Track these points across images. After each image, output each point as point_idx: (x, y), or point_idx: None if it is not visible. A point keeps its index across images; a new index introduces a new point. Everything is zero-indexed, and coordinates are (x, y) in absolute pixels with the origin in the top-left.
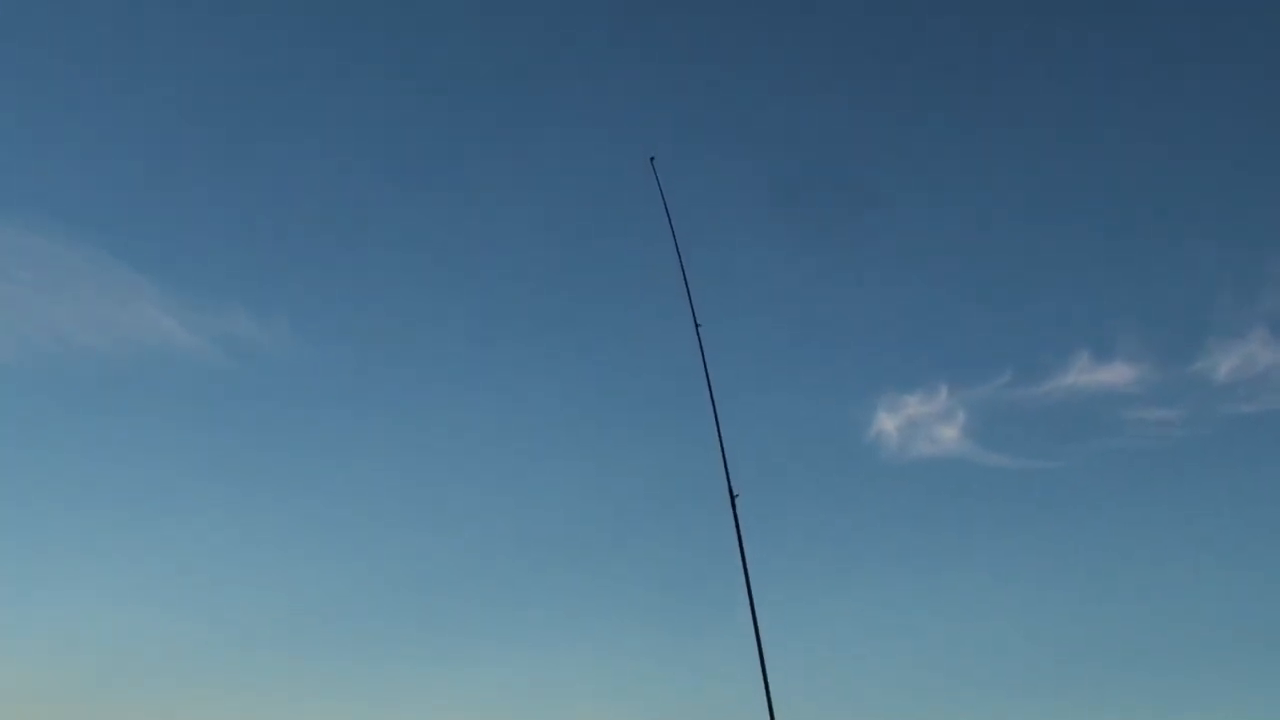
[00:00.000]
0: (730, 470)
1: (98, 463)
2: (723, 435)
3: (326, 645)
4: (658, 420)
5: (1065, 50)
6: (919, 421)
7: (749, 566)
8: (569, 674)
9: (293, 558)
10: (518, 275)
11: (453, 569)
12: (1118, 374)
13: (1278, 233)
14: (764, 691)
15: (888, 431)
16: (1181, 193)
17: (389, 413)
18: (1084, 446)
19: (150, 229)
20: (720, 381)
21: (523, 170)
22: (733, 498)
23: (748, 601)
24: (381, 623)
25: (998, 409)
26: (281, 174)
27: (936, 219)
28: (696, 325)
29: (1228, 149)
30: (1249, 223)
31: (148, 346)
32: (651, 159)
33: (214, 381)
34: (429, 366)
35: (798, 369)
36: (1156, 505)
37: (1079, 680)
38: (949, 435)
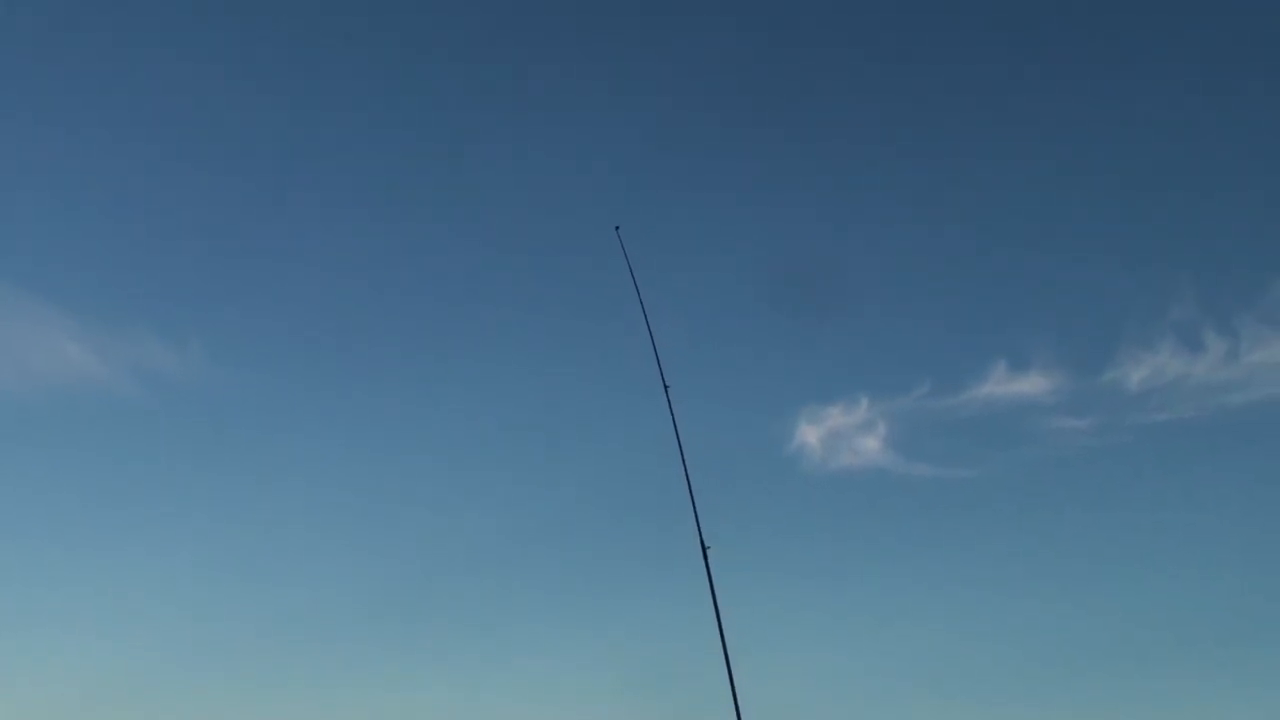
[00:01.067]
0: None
1: (11, 501)
2: (694, 493)
3: (268, 672)
4: (615, 429)
5: (988, 65)
6: (841, 433)
7: (717, 597)
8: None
9: (227, 586)
10: (460, 286)
11: (394, 589)
12: (1033, 384)
13: (1184, 248)
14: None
15: (810, 443)
16: (1093, 208)
17: (317, 435)
18: (1002, 455)
19: (53, 253)
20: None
21: (462, 191)
22: (705, 550)
23: (716, 624)
24: (328, 644)
25: (918, 419)
26: (186, 192)
27: (854, 231)
28: (665, 387)
29: (1138, 166)
30: (1158, 239)
31: (56, 381)
32: (617, 228)
33: (128, 416)
34: (360, 382)
35: (724, 381)
36: (1071, 511)
37: (1000, 681)
38: (871, 446)
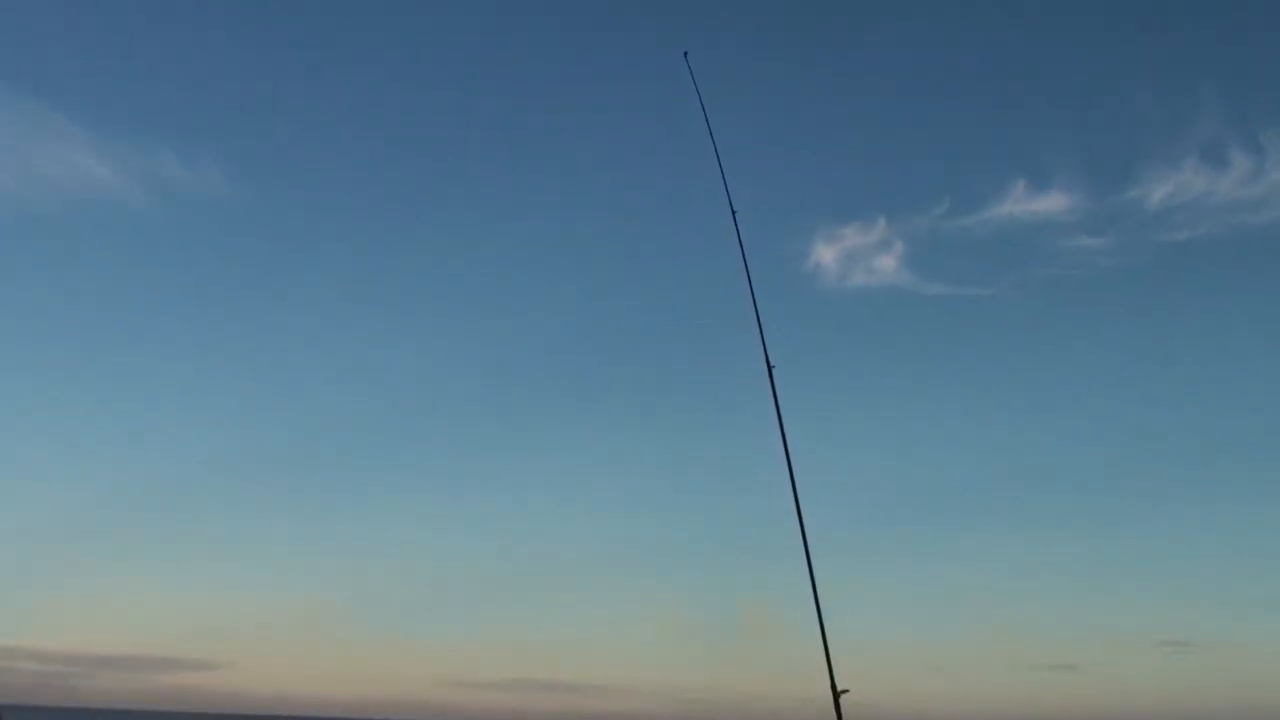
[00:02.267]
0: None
1: (26, 309)
2: (760, 313)
3: (295, 482)
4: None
5: None
6: (857, 252)
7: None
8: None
9: (249, 399)
10: (512, 100)
11: (425, 401)
12: (1052, 202)
13: (1210, 61)
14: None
15: (826, 263)
16: (1115, 24)
17: (344, 251)
18: (1018, 274)
19: (67, 65)
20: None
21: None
22: (770, 368)
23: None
24: (356, 459)
25: (935, 239)
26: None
27: (876, 45)
28: (734, 212)
29: None
30: (1182, 51)
31: (69, 191)
32: (685, 54)
33: (141, 227)
34: (386, 198)
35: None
36: (1086, 330)
37: (1018, 496)
38: (887, 265)
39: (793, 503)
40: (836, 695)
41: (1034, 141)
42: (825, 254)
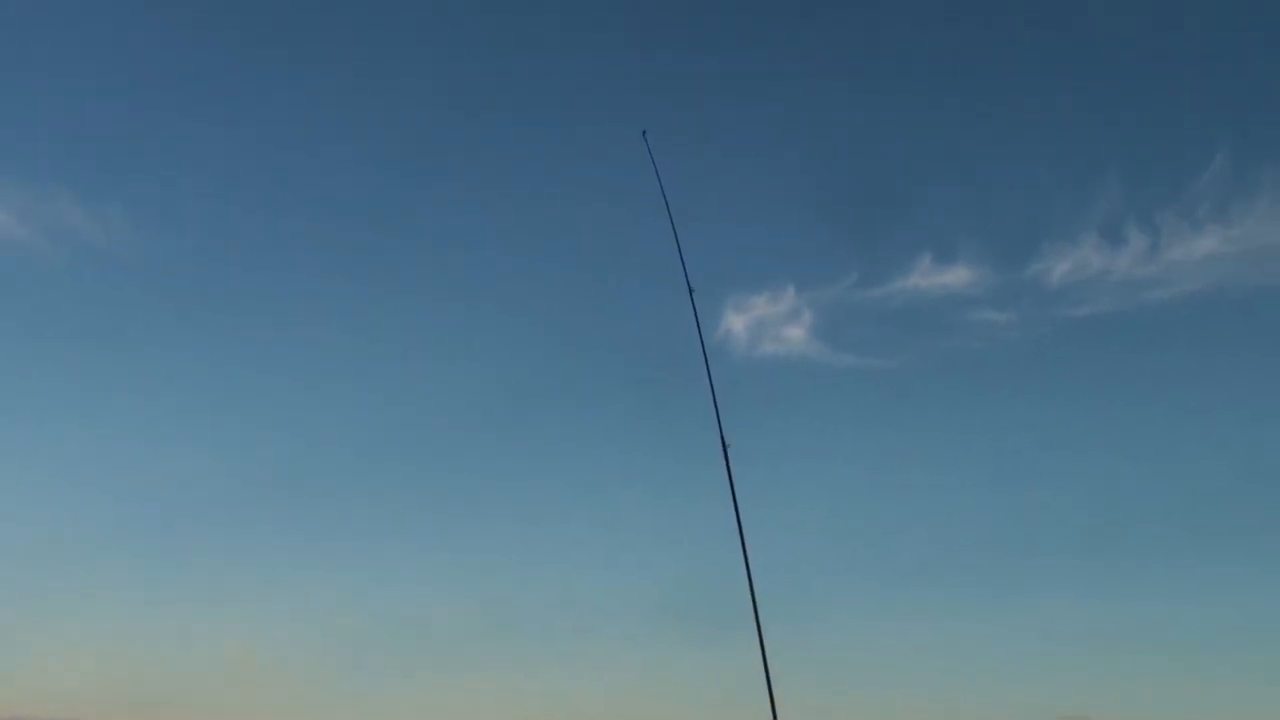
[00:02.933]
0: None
1: None
2: (716, 393)
3: (192, 543)
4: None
5: None
6: (767, 321)
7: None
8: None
9: (142, 453)
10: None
11: (323, 459)
12: (957, 276)
13: (1110, 144)
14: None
15: (736, 331)
16: (1019, 101)
17: (243, 304)
18: (925, 345)
19: None
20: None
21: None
22: (725, 447)
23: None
24: (251, 514)
25: (843, 309)
26: (113, 52)
27: (788, 117)
28: (690, 290)
29: (1067, 61)
30: (1084, 134)
31: None
32: (644, 132)
33: (46, 276)
34: (284, 253)
35: (650, 266)
36: (992, 402)
37: (918, 567)
38: (796, 335)
39: (746, 584)
40: None
41: (940, 216)
42: (736, 323)
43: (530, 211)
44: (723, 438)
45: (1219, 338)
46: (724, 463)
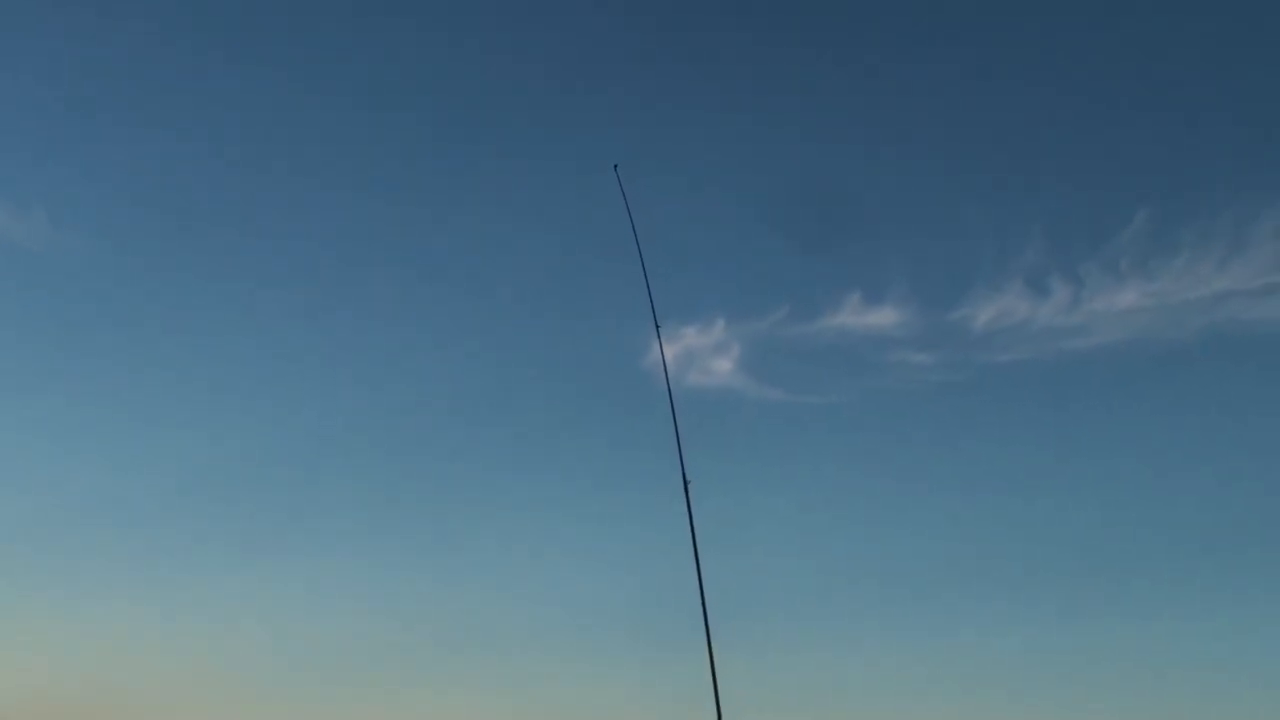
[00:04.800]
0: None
1: None
2: (680, 435)
3: (114, 548)
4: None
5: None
6: (695, 353)
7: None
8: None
9: (62, 459)
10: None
11: (239, 474)
12: (885, 317)
13: (1036, 194)
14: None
15: (659, 360)
16: (951, 156)
17: (166, 311)
18: (852, 384)
19: None
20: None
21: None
22: (686, 484)
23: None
24: (176, 523)
25: (772, 344)
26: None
27: (724, 147)
28: (658, 326)
29: (999, 109)
30: (1011, 183)
31: None
32: (615, 166)
33: None
34: (213, 261)
35: (583, 294)
36: (914, 442)
37: (846, 603)
38: (723, 368)
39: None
40: None
41: (871, 257)
42: (665, 352)
43: (488, 234)
44: (684, 475)
45: (1134, 389)
46: (684, 497)
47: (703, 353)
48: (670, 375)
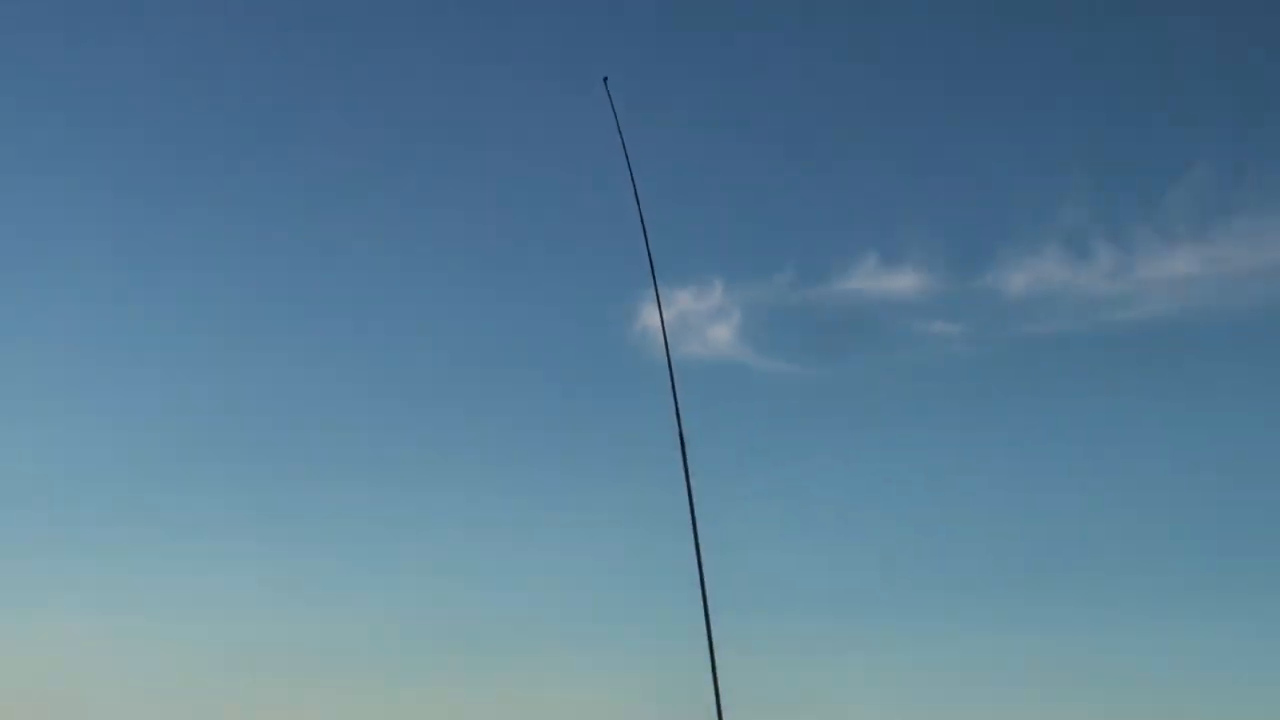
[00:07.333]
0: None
1: None
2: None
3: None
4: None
5: None
6: (690, 320)
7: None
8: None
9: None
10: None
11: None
12: (905, 281)
13: (1080, 146)
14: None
15: (655, 328)
16: (982, 94)
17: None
18: (865, 356)
19: None
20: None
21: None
22: (683, 446)
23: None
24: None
25: (776, 310)
26: None
27: (724, 99)
28: (650, 258)
29: (1037, 52)
30: (1052, 134)
31: None
32: (605, 79)
33: None
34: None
35: (561, 258)
36: (937, 421)
37: (856, 588)
38: (722, 336)
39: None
40: None
41: (889, 211)
42: (656, 319)
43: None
44: (681, 437)
45: (1189, 368)
46: (683, 474)
47: (699, 319)
48: (667, 340)
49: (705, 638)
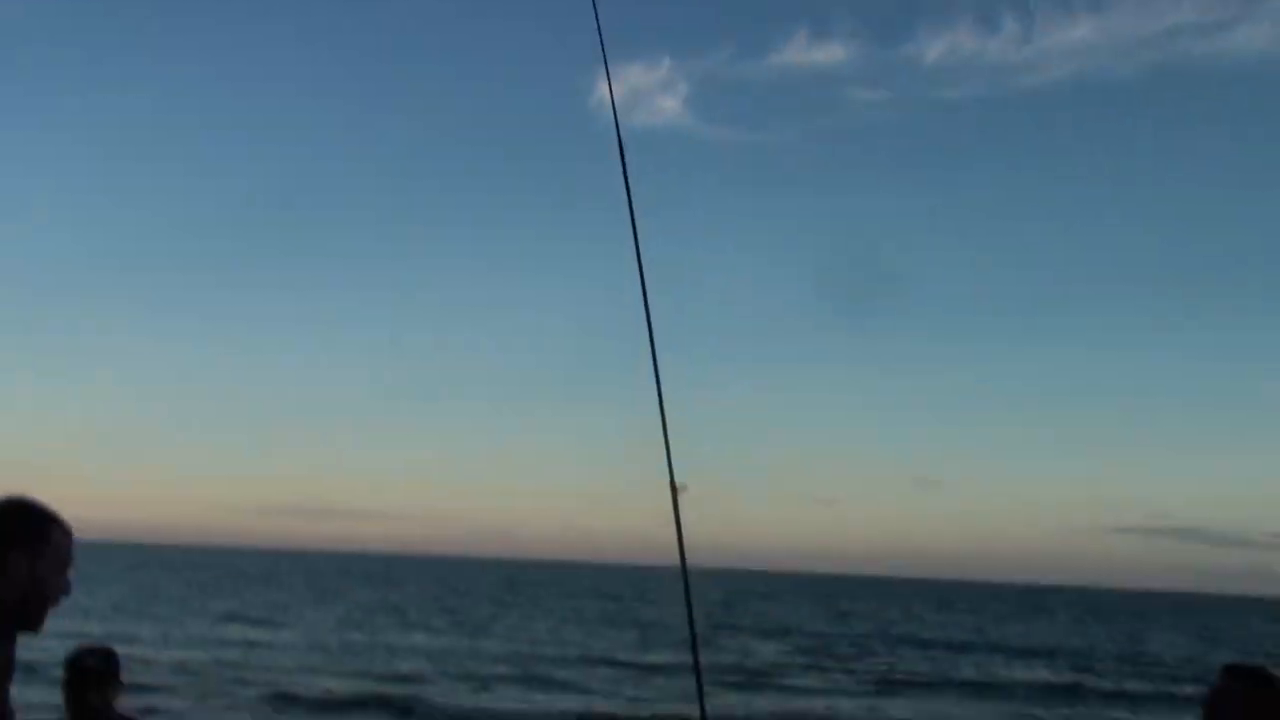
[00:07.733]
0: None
1: None
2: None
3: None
4: None
5: None
6: (640, 92)
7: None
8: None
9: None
10: None
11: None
12: (832, 53)
13: None
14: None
15: (608, 100)
16: None
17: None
18: (800, 122)
19: None
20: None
21: None
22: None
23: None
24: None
25: (719, 82)
26: None
27: None
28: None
29: None
30: None
31: None
32: None
33: None
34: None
35: (522, 32)
36: (863, 182)
37: (782, 333)
38: (670, 106)
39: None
40: (675, 492)
41: None
42: (608, 91)
43: None
44: (626, 180)
45: (1086, 124)
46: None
47: (649, 91)
48: (618, 113)
49: (653, 375)
